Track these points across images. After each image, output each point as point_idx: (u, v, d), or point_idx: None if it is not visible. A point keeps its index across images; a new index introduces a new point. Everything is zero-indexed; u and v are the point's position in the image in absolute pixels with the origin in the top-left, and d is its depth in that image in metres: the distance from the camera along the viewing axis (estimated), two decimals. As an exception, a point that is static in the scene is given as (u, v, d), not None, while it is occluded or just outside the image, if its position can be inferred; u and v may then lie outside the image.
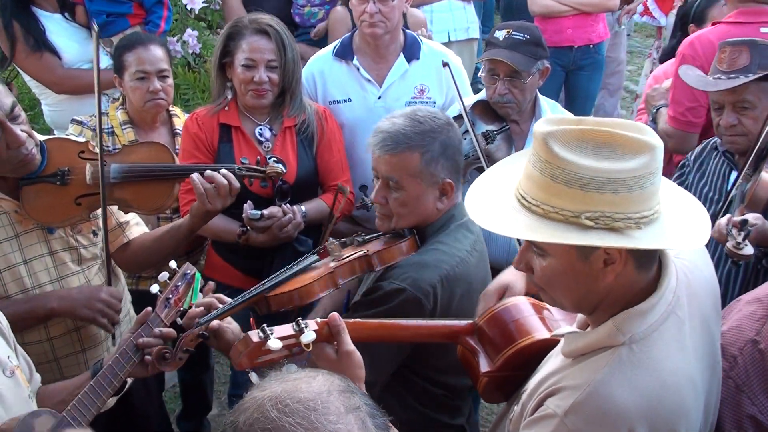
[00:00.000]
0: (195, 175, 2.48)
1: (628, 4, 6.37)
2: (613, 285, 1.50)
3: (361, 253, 2.20)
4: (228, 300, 2.15)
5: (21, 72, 3.94)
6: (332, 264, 2.19)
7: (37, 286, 2.34)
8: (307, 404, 1.10)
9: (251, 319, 1.93)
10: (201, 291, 2.25)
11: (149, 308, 2.12)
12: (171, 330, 2.11)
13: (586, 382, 1.47)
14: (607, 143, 1.40)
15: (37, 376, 2.12)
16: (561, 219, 1.41)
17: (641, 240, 1.41)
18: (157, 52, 3.12)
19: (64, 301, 2.32)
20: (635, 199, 1.40)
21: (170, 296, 2.17)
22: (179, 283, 2.21)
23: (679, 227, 1.47)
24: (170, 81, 3.17)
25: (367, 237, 2.33)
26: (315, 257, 2.26)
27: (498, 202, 1.53)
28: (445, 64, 3.11)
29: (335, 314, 1.74)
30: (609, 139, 1.40)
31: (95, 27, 2.54)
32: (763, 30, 3.16)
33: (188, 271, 2.26)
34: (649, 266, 1.52)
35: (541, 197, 1.44)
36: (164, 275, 2.19)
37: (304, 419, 1.08)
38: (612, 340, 1.50)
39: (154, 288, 2.17)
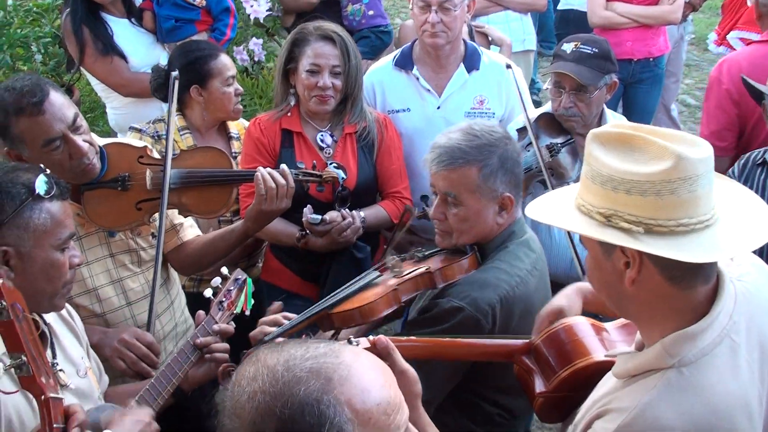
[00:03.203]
0: (262, 170, 2.47)
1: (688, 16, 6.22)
2: (642, 294, 1.46)
3: (423, 269, 2.18)
4: (294, 316, 2.15)
5: (85, 74, 4.05)
6: (394, 281, 2.17)
7: (99, 287, 2.39)
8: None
9: (302, 336, 1.93)
10: (253, 296, 2.32)
11: (201, 312, 2.19)
12: (228, 326, 2.22)
13: (632, 404, 1.43)
14: (638, 147, 1.42)
15: (106, 377, 2.17)
16: (585, 212, 1.48)
17: (648, 245, 1.38)
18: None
19: (102, 339, 2.29)
20: (650, 205, 1.38)
21: (223, 300, 2.26)
22: (231, 288, 2.31)
23: (713, 245, 1.40)
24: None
25: (427, 253, 2.32)
26: (376, 273, 2.25)
27: (560, 200, 1.60)
28: (508, 67, 3.08)
29: (381, 337, 1.68)
30: (641, 143, 1.42)
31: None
32: None
33: (239, 277, 2.35)
34: (689, 282, 1.45)
35: (581, 192, 1.52)
36: (216, 280, 2.27)
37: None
38: (661, 362, 1.46)
39: (208, 292, 2.22)
